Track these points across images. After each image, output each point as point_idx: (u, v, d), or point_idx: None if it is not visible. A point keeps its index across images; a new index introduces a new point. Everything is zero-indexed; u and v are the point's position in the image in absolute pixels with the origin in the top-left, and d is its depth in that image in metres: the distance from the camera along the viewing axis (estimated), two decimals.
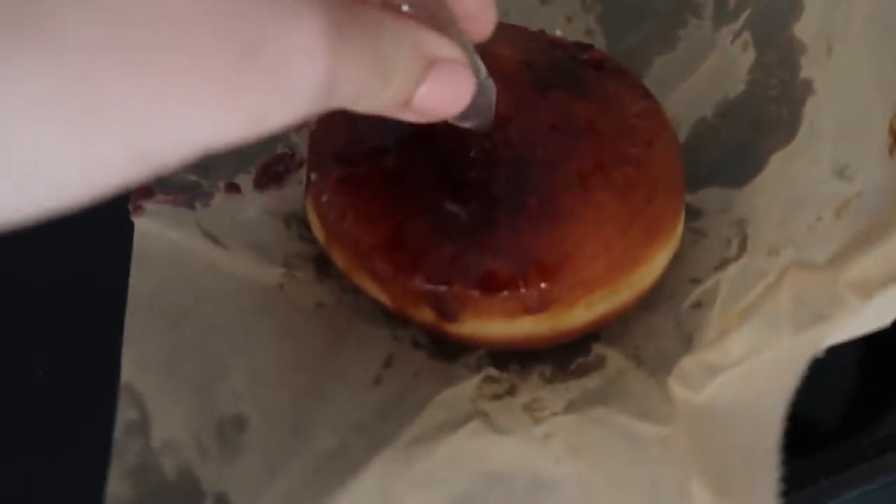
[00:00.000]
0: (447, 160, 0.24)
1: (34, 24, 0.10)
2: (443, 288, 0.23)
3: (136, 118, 0.11)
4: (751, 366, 0.19)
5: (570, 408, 0.23)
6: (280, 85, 0.13)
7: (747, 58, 0.30)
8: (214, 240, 0.27)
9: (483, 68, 0.21)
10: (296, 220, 0.29)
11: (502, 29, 0.29)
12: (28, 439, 0.24)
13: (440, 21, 0.18)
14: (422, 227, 0.23)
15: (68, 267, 0.28)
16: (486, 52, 0.27)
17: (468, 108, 0.21)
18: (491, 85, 0.22)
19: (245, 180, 0.30)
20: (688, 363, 0.21)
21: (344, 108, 0.15)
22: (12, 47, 0.10)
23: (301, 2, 0.13)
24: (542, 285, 0.23)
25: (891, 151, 0.21)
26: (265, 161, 0.30)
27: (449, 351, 0.26)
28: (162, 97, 0.11)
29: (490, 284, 0.23)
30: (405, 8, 0.17)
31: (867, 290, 0.18)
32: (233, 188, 0.29)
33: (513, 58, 0.27)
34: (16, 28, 0.10)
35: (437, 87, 0.17)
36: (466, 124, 0.23)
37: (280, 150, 0.31)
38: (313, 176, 0.26)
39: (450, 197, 0.24)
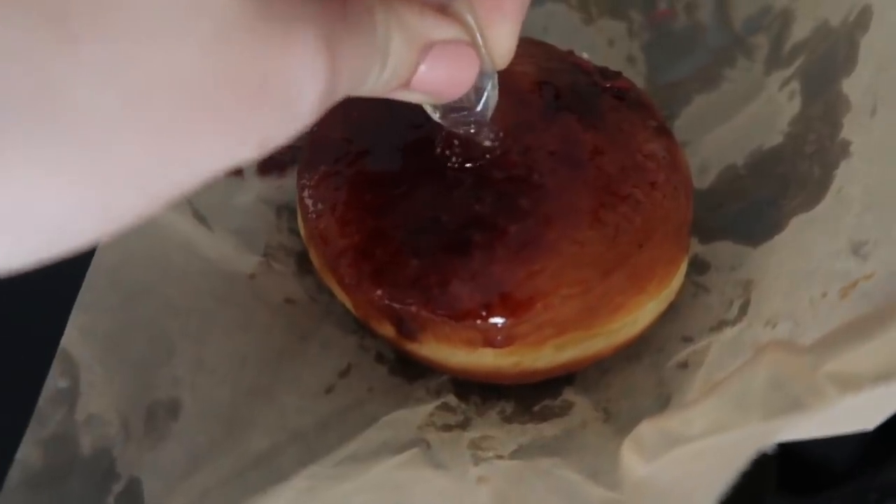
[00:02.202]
0: (436, 172, 0.23)
1: (52, 96, 0.11)
2: (402, 306, 0.22)
3: (151, 172, 0.12)
4: (706, 445, 0.17)
5: (518, 452, 0.21)
6: (286, 111, 0.13)
7: (792, 108, 0.28)
8: (201, 219, 0.27)
9: (493, 78, 0.20)
10: (287, 212, 0.28)
11: (527, 44, 0.27)
12: None
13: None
14: (394, 238, 0.22)
15: None
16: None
17: (464, 110, 0.20)
18: (494, 96, 0.21)
19: (249, 164, 0.29)
20: (646, 428, 0.19)
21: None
22: (29, 119, 0.11)
23: (293, 20, 0.13)
24: (508, 319, 0.21)
25: None
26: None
27: (411, 370, 0.25)
28: (174, 150, 0.12)
29: (452, 310, 0.21)
30: None
31: (851, 384, 0.16)
32: (235, 171, 0.29)
33: (529, 75, 0.25)
34: (32, 100, 0.11)
35: (436, 66, 0.16)
36: (461, 130, 0.21)
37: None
38: (302, 168, 0.25)
39: (429, 211, 0.23)
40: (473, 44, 0.18)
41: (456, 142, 0.23)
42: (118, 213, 0.12)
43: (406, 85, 0.17)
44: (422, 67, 0.16)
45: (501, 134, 0.23)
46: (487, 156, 0.23)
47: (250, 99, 0.12)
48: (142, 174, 0.12)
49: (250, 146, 0.13)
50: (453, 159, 0.23)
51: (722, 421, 0.18)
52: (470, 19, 0.17)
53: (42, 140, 0.11)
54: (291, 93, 0.13)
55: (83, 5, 0.11)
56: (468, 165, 0.23)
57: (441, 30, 0.16)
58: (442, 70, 0.17)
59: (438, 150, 0.23)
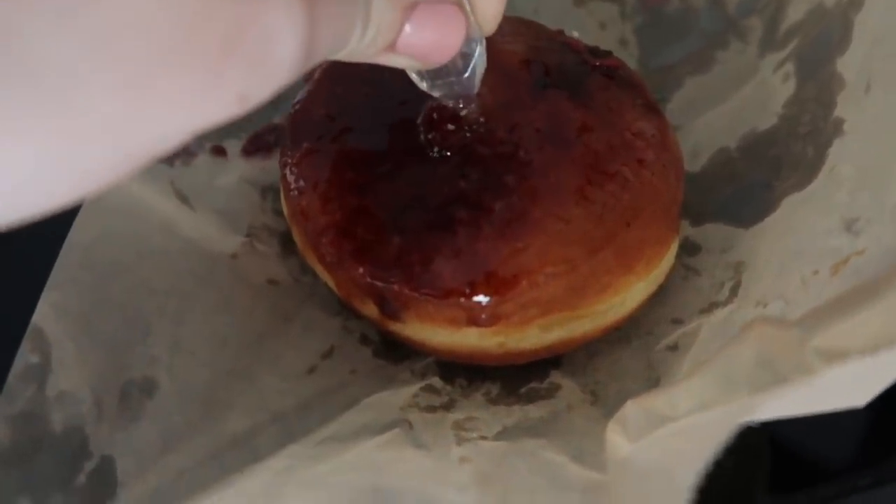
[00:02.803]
0: (421, 149, 0.23)
1: (6, 46, 0.10)
2: (385, 284, 0.21)
3: (120, 124, 0.11)
4: (688, 423, 0.16)
5: (502, 433, 0.21)
6: (262, 65, 0.12)
7: (786, 90, 0.27)
8: (183, 199, 0.26)
9: (480, 44, 0.20)
10: (272, 193, 0.28)
11: (516, 23, 0.27)
12: None
13: None
14: (376, 216, 0.22)
15: None
16: (492, 43, 0.25)
17: (451, 77, 0.19)
18: (482, 64, 0.20)
19: (233, 145, 0.29)
20: (631, 408, 0.19)
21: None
22: None
23: None
24: (492, 297, 0.21)
25: None
26: (258, 129, 0.29)
27: (396, 352, 0.24)
28: (144, 103, 0.11)
29: (434, 288, 0.21)
30: None
31: (838, 357, 0.15)
32: (219, 151, 0.29)
33: (517, 53, 0.25)
34: None
35: (422, 27, 0.16)
36: (448, 99, 0.21)
37: (276, 120, 0.30)
38: (285, 147, 0.24)
39: (413, 188, 0.22)
40: (460, 4, 0.17)
41: (440, 118, 0.22)
42: (90, 171, 0.12)
43: (391, 48, 0.16)
44: (406, 28, 0.16)
45: (485, 110, 0.23)
46: (468, 133, 0.23)
47: (222, 46, 0.12)
48: (111, 127, 0.11)
49: (226, 101, 0.12)
50: (437, 137, 0.23)
51: (707, 399, 0.17)
52: None
53: (0, 90, 0.10)
54: (267, 43, 0.12)
55: None
56: (451, 145, 0.23)
57: None
58: (428, 31, 0.16)
59: (422, 130, 0.23)
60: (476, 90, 0.20)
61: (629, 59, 0.32)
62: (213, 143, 0.29)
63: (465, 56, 0.19)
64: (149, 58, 0.11)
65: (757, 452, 0.26)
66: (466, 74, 0.19)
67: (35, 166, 0.11)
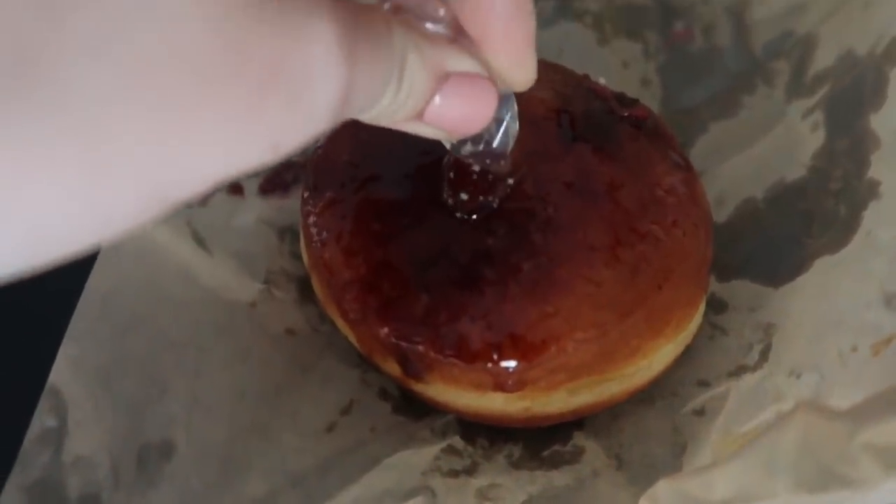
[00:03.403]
0: (446, 203, 0.22)
1: (34, 69, 0.10)
2: (409, 345, 0.21)
3: (150, 164, 0.11)
4: None
5: (528, 503, 0.20)
6: (300, 106, 0.12)
7: (815, 140, 0.27)
8: (200, 241, 0.26)
9: (512, 109, 0.19)
10: (290, 235, 0.27)
11: (542, 67, 0.26)
12: None
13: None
14: (402, 272, 0.21)
15: None
16: (520, 92, 0.24)
17: (480, 145, 0.19)
18: (514, 129, 0.20)
19: (251, 183, 0.28)
20: (663, 488, 0.18)
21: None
22: (7, 93, 0.10)
23: (312, 9, 0.12)
24: (519, 363, 0.20)
25: None
26: (276, 166, 0.29)
27: (416, 408, 0.24)
28: (177, 140, 0.11)
29: (461, 351, 0.20)
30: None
31: (888, 459, 0.15)
32: (236, 189, 0.28)
33: (544, 102, 0.24)
34: (12, 74, 0.10)
35: (452, 99, 0.16)
36: (476, 162, 0.20)
37: (294, 157, 0.29)
38: (306, 193, 0.24)
39: (439, 243, 0.22)
40: (491, 78, 0.17)
41: (459, 182, 0.22)
42: (113, 214, 0.11)
43: (419, 116, 0.16)
44: (436, 99, 0.15)
45: (514, 162, 0.22)
46: (493, 200, 0.22)
47: (259, 87, 0.11)
48: (139, 166, 0.11)
49: (261, 147, 0.12)
50: (458, 202, 0.22)
51: (747, 487, 0.17)
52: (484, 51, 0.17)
53: (23, 117, 0.10)
54: (305, 88, 0.12)
55: None
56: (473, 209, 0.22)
57: (457, 60, 0.16)
58: (458, 103, 0.16)
59: (447, 193, 0.22)
60: (507, 157, 0.20)
61: (652, 99, 0.31)
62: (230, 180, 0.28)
63: (497, 122, 0.19)
64: (185, 92, 0.11)
65: None
66: (496, 143, 0.19)
67: (55, 206, 0.10)
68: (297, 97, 0.12)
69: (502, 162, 0.21)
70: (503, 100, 0.18)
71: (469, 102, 0.16)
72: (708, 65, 0.31)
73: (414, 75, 0.15)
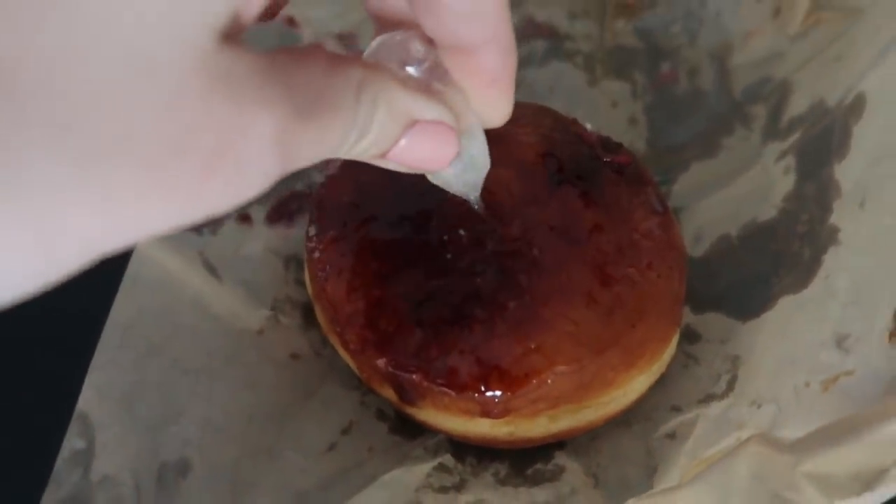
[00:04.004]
0: (441, 244, 0.24)
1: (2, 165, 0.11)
2: (405, 374, 0.23)
3: (94, 232, 0.12)
4: None
5: None
6: (237, 183, 0.13)
7: (786, 183, 0.29)
8: (211, 269, 0.27)
9: (480, 141, 0.21)
10: (295, 263, 0.29)
11: (533, 111, 0.28)
12: None
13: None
14: (398, 309, 0.23)
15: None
16: (512, 135, 0.26)
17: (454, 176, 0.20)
18: (486, 162, 0.21)
19: (258, 212, 0.30)
20: None
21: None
22: None
23: (258, 103, 0.13)
24: (504, 393, 0.22)
25: (890, 337, 0.19)
26: (282, 196, 0.31)
27: (411, 428, 0.26)
28: (120, 216, 0.12)
29: (451, 382, 0.22)
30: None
31: (827, 486, 0.17)
32: (244, 219, 0.30)
33: (533, 146, 0.26)
34: None
35: (416, 143, 0.17)
36: (451, 189, 0.22)
37: (298, 187, 0.31)
38: (311, 230, 0.26)
39: (433, 283, 0.24)
40: (454, 126, 0.18)
41: (463, 213, 0.24)
42: (58, 267, 0.12)
43: (383, 155, 0.17)
44: (402, 142, 0.17)
45: (502, 204, 0.24)
46: (489, 228, 0.24)
47: (200, 171, 0.12)
48: (86, 233, 0.12)
49: (195, 216, 0.13)
50: (459, 231, 0.24)
51: None
52: (457, 98, 0.18)
53: None
54: (242, 173, 0.13)
55: (32, 66, 0.11)
56: (470, 239, 0.24)
57: (425, 108, 0.17)
58: (421, 148, 0.17)
59: (444, 222, 0.24)
60: (478, 190, 0.21)
61: (638, 138, 0.33)
62: (238, 210, 0.30)
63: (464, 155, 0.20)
64: (132, 178, 0.12)
65: None
66: (465, 174, 0.20)
67: (9, 262, 0.12)
68: (234, 179, 0.13)
69: (474, 196, 0.22)
70: (476, 134, 0.19)
71: (431, 148, 0.17)
72: (691, 106, 0.33)
73: (383, 124, 0.16)
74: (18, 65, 0.11)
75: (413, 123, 0.17)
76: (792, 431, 0.20)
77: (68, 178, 0.11)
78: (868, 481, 0.17)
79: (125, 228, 0.12)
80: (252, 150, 0.13)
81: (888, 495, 0.17)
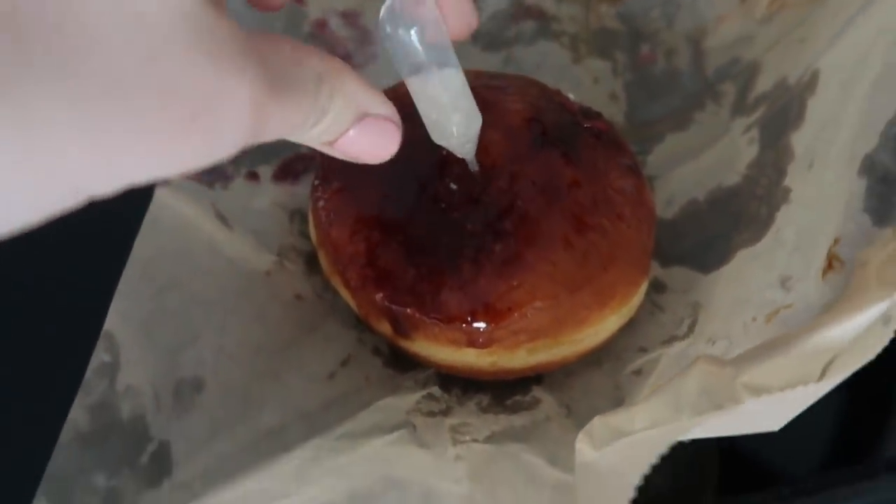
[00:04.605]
0: (436, 196, 0.27)
1: (7, 100, 0.12)
2: (400, 308, 0.25)
3: (84, 172, 0.13)
4: (641, 437, 0.21)
5: (490, 438, 0.25)
6: (212, 142, 0.14)
7: (750, 153, 0.32)
8: (223, 219, 0.30)
9: (467, 99, 0.23)
10: (299, 216, 0.32)
11: (520, 82, 0.31)
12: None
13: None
14: (395, 250, 0.26)
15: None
16: (500, 103, 0.29)
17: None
18: (478, 122, 0.24)
19: (265, 171, 0.33)
20: (597, 423, 0.23)
21: None
22: None
23: (238, 69, 0.14)
24: (488, 324, 0.25)
25: (823, 274, 0.22)
26: (288, 158, 0.33)
27: (403, 364, 0.28)
28: (108, 158, 0.13)
29: (441, 314, 0.25)
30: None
31: (758, 391, 0.20)
32: (252, 176, 0.33)
33: (520, 112, 0.29)
34: None
35: (361, 137, 0.19)
36: (444, 143, 0.24)
37: (303, 150, 0.34)
38: (316, 182, 0.28)
39: (427, 228, 0.26)
40: (399, 124, 0.20)
41: (457, 170, 0.26)
42: (45, 206, 0.13)
43: (331, 144, 0.19)
44: (350, 132, 0.18)
45: (491, 162, 0.27)
46: (480, 183, 0.27)
47: (182, 124, 0.13)
48: (78, 172, 0.13)
49: (173, 168, 0.14)
50: (452, 185, 0.27)
51: (659, 419, 0.21)
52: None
53: None
54: (219, 130, 0.14)
55: (35, 16, 0.12)
56: (462, 192, 0.27)
57: (374, 104, 0.19)
58: (366, 139, 0.19)
59: (440, 178, 0.27)
60: (474, 148, 0.24)
61: (618, 112, 0.36)
62: (247, 168, 0.33)
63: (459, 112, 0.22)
64: (120, 121, 0.13)
65: (709, 460, 0.31)
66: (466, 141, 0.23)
67: (4, 198, 0.12)
68: (210, 138, 0.14)
69: (468, 146, 0.24)
70: (447, 50, 0.21)
71: (375, 141, 0.19)
72: (668, 84, 0.36)
73: (338, 114, 0.18)
74: (20, 2, 0.12)
75: (363, 117, 0.18)
76: None
77: (64, 117, 0.12)
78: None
79: (111, 172, 0.13)
80: (230, 113, 0.14)
81: (810, 401, 0.19)
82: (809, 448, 0.33)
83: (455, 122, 0.23)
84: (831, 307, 0.20)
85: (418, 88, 0.22)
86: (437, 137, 0.24)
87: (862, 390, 0.32)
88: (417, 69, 0.21)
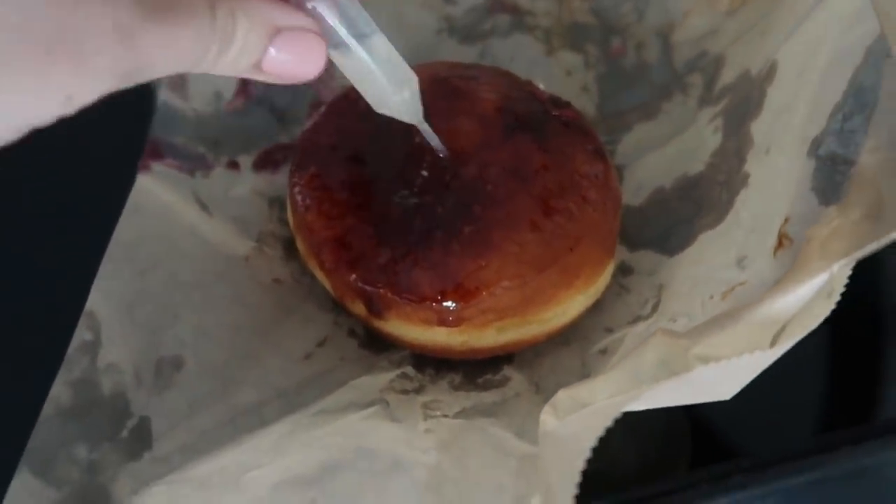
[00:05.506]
0: (408, 180, 0.28)
1: None
2: (373, 288, 0.26)
3: None
4: (600, 406, 0.22)
5: (461, 413, 0.26)
6: (82, 73, 0.15)
7: (714, 141, 0.33)
8: (203, 206, 0.31)
9: (396, 64, 0.22)
10: (278, 204, 0.33)
11: (493, 73, 0.32)
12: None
13: None
14: (368, 232, 0.27)
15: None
16: (472, 92, 0.30)
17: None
18: (412, 80, 0.23)
19: (245, 160, 0.34)
20: (562, 394, 0.24)
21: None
22: None
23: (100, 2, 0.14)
24: (458, 303, 0.26)
25: (774, 252, 0.23)
26: (267, 147, 0.34)
27: (378, 345, 0.29)
28: None
29: (413, 294, 0.26)
30: None
31: (709, 361, 0.21)
32: (233, 165, 0.33)
33: (492, 101, 0.30)
34: None
35: (283, 54, 0.18)
36: (387, 112, 0.23)
37: (283, 140, 0.35)
38: (294, 168, 0.29)
39: (400, 212, 0.27)
40: (319, 32, 0.19)
41: (428, 156, 0.27)
42: None
43: (258, 67, 0.19)
44: (271, 51, 0.18)
45: (462, 148, 0.28)
46: (450, 168, 0.28)
47: (43, 55, 0.14)
48: None
49: (54, 99, 0.14)
50: (423, 170, 0.28)
51: (619, 389, 0.22)
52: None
53: None
54: (85, 57, 0.14)
55: None
56: (433, 176, 0.28)
57: (286, 17, 0.18)
58: (289, 55, 0.18)
59: (412, 163, 0.27)
60: (419, 113, 0.24)
61: (589, 103, 0.37)
62: (228, 157, 0.33)
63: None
64: None
65: (681, 434, 0.32)
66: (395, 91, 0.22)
67: None
68: (80, 63, 0.14)
69: (412, 110, 0.24)
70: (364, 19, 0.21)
71: (300, 54, 0.19)
72: (637, 76, 0.37)
73: (247, 34, 0.17)
74: None
75: (277, 32, 0.18)
76: None
77: None
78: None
79: None
80: (93, 40, 0.14)
81: (759, 369, 0.20)
82: (795, 428, 0.34)
83: (391, 90, 0.23)
84: (779, 281, 0.21)
85: (344, 62, 0.22)
86: (378, 107, 0.23)
87: (845, 361, 0.33)
88: (337, 45, 0.21)
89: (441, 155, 0.27)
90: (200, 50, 0.17)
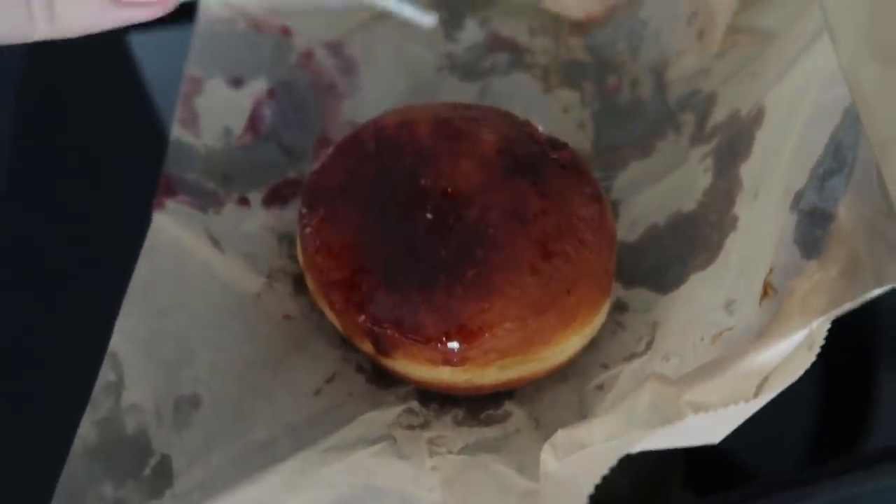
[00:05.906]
0: (413, 224, 0.29)
1: None
2: (380, 329, 0.28)
3: None
4: (598, 448, 0.23)
5: (464, 449, 0.27)
6: None
7: (705, 180, 0.34)
8: (215, 243, 0.32)
9: None
10: (288, 240, 0.34)
11: (492, 113, 0.33)
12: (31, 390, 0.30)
13: None
14: (376, 275, 0.28)
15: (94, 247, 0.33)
16: (474, 133, 0.31)
17: None
18: None
19: (255, 196, 0.35)
20: (561, 434, 0.25)
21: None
22: None
23: None
24: (462, 344, 0.27)
25: (759, 300, 0.25)
26: (276, 183, 0.36)
27: (385, 380, 0.31)
28: None
29: (419, 335, 0.27)
30: None
31: (699, 407, 0.22)
32: (243, 201, 0.35)
33: (492, 143, 0.31)
34: None
35: None
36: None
37: (291, 175, 0.36)
38: (303, 210, 0.31)
39: (405, 254, 0.28)
40: None
41: (435, 202, 0.29)
42: None
43: (117, 3, 0.18)
44: None
45: (465, 190, 0.29)
46: (454, 212, 0.29)
47: None
48: None
49: None
50: (428, 214, 0.29)
51: (614, 432, 0.24)
52: None
53: None
54: None
55: None
56: (437, 221, 0.29)
57: None
58: None
59: (417, 207, 0.29)
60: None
61: (585, 140, 0.38)
62: (239, 193, 0.35)
63: None
64: None
65: (671, 458, 0.33)
66: None
67: None
68: None
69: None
70: None
71: None
72: (632, 113, 0.38)
73: None
74: None
75: None
76: None
77: None
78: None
79: None
80: None
81: (744, 416, 0.22)
82: (787, 447, 0.35)
83: None
84: (762, 334, 0.23)
85: None
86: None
87: (837, 388, 0.35)
88: None
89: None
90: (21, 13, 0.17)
